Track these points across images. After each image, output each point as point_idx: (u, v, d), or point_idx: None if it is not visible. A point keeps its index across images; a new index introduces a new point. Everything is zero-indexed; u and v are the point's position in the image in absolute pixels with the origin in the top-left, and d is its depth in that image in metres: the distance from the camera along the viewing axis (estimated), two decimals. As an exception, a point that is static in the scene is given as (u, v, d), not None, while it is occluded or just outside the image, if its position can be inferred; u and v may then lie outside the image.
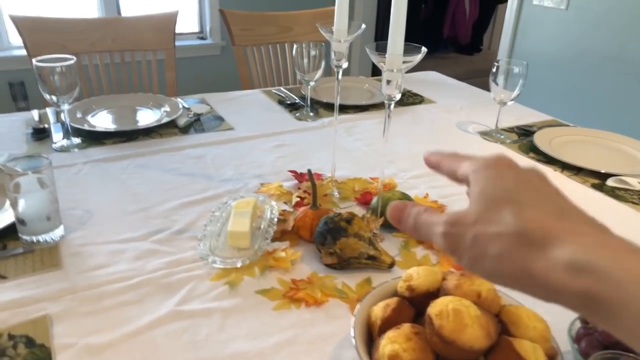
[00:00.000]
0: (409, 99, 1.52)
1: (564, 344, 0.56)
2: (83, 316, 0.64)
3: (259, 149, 1.15)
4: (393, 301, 0.57)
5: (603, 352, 0.46)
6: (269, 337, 0.62)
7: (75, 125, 1.16)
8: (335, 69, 0.89)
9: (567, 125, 1.37)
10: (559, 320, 0.60)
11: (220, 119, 1.30)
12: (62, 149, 1.09)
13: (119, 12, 2.80)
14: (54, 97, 1.06)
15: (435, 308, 0.50)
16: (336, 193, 0.97)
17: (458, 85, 1.70)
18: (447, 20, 4.59)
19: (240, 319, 0.65)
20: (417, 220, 0.34)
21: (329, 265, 0.75)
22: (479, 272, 0.31)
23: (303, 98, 1.41)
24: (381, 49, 0.70)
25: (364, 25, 0.86)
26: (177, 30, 1.74)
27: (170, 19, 1.72)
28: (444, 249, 0.32)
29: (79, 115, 1.24)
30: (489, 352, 0.49)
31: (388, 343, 0.50)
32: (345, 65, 0.88)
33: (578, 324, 0.57)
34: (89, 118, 1.25)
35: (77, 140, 1.12)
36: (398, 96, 0.74)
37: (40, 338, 0.60)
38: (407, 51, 0.70)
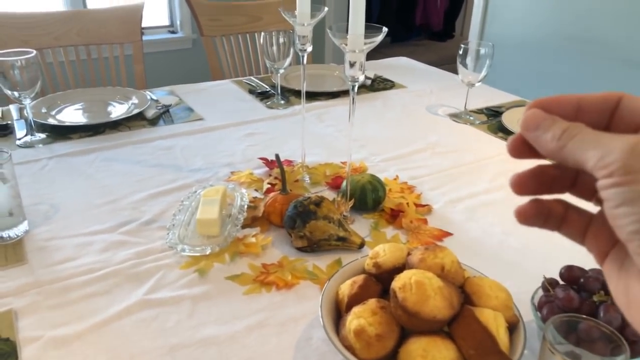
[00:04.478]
0: (380, 84, 1.52)
1: (528, 313, 0.58)
2: (49, 309, 0.63)
3: (230, 139, 1.14)
4: (360, 278, 0.57)
5: (561, 315, 0.47)
6: (239, 321, 0.62)
7: (40, 121, 1.13)
8: (299, 53, 0.89)
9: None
10: (523, 290, 0.62)
11: (190, 109, 1.29)
12: (26, 145, 1.07)
13: (84, 5, 2.73)
14: (15, 93, 1.03)
15: (399, 281, 0.51)
16: (307, 178, 0.97)
17: (428, 70, 1.71)
18: (419, 8, 4.60)
19: (211, 305, 0.65)
20: (567, 143, 0.23)
21: (299, 249, 0.75)
22: None
23: (274, 87, 1.40)
24: (345, 31, 0.70)
25: (326, 8, 0.86)
26: (147, 24, 1.71)
27: (136, 11, 1.68)
28: (612, 202, 0.22)
29: (43, 110, 1.21)
30: (452, 322, 0.50)
31: (354, 318, 0.51)
32: (309, 49, 0.88)
33: (540, 293, 0.58)
34: (54, 113, 1.22)
35: (41, 135, 1.10)
36: (361, 77, 0.74)
37: (4, 332, 0.58)
38: (369, 32, 0.70)
